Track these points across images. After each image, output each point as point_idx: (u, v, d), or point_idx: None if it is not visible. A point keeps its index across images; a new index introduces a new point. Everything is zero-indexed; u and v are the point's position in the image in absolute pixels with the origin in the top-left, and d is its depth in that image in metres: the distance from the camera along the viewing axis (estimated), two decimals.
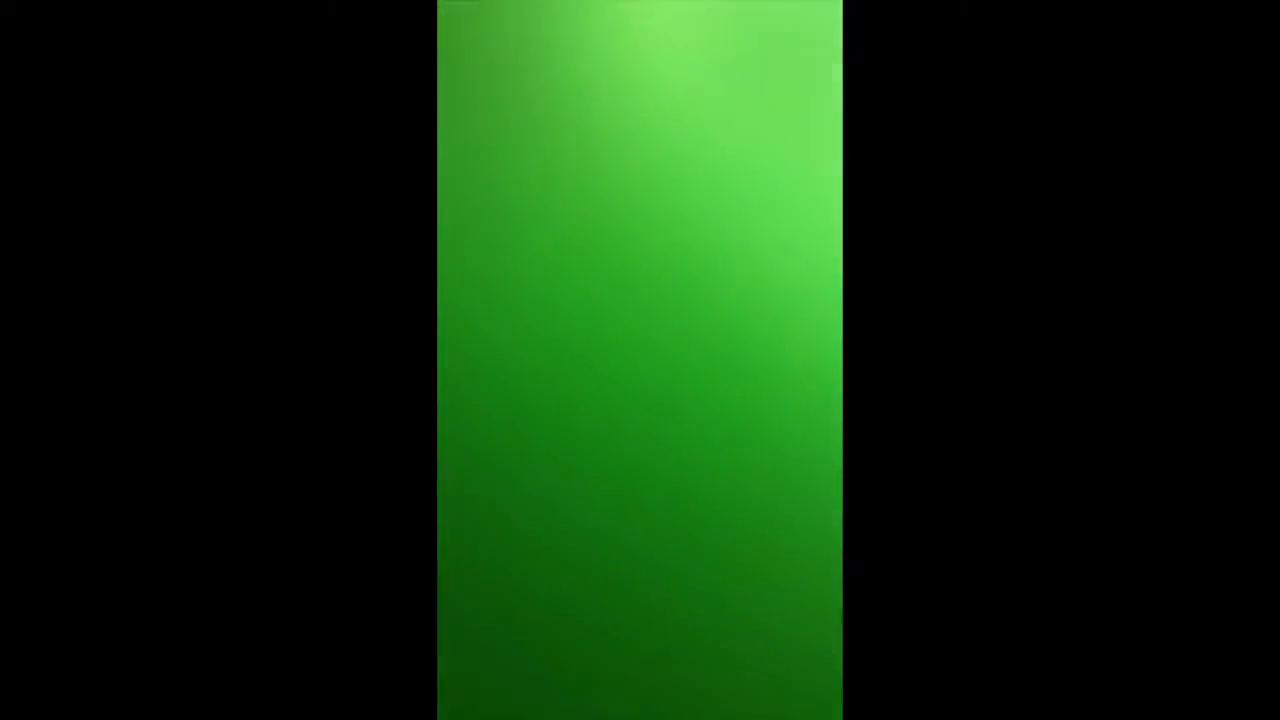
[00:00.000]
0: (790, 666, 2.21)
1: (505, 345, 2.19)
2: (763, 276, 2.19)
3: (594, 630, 2.12)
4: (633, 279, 2.20)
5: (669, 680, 2.14)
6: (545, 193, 2.19)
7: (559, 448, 2.19)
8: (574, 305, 2.16)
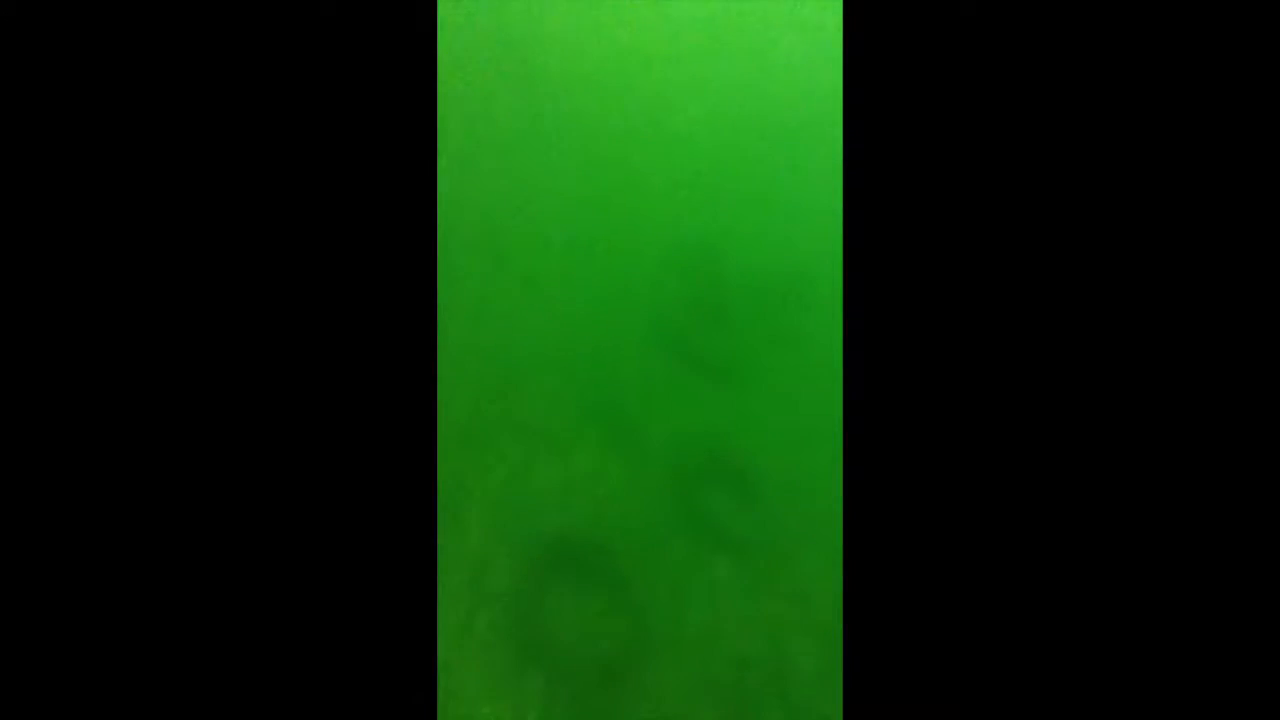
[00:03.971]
0: (793, 668, 2.18)
1: (504, 344, 2.14)
2: (764, 274, 2.13)
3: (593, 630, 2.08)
4: (633, 275, 2.14)
5: (668, 675, 2.12)
6: (544, 181, 2.12)
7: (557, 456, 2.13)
8: (574, 303, 2.11)
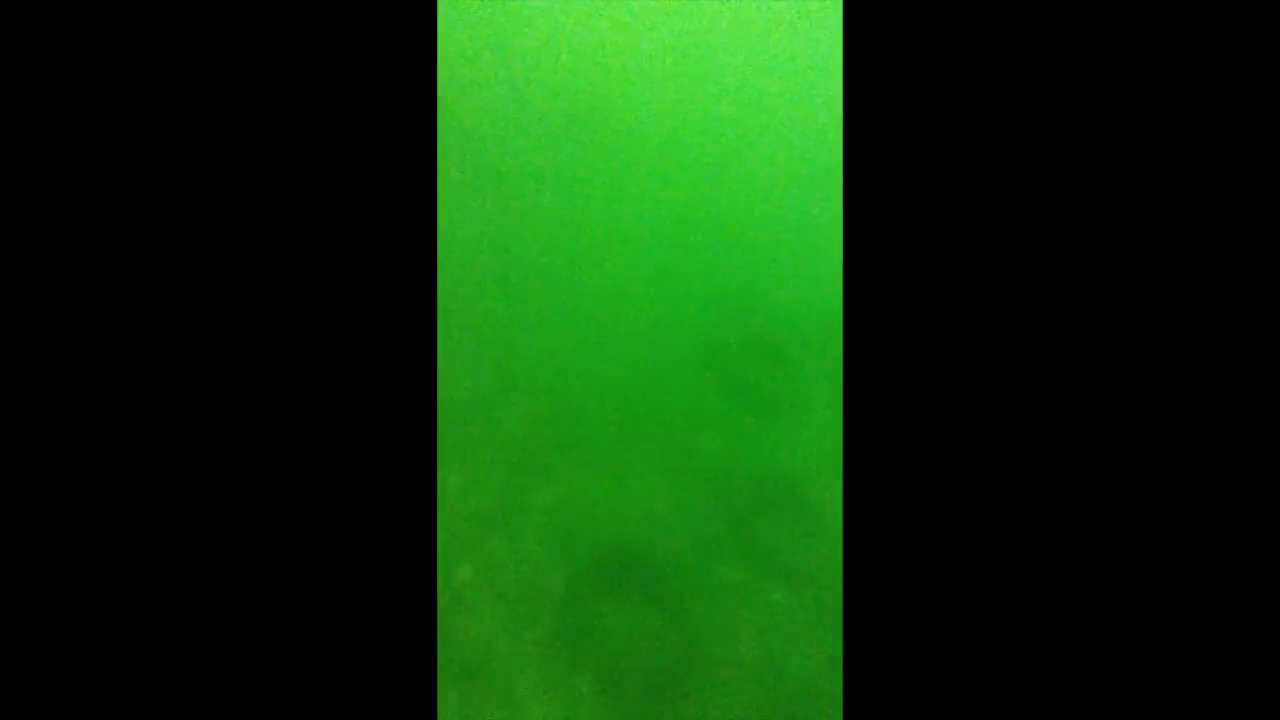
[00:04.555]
0: (791, 662, 2.17)
1: (504, 347, 2.23)
2: (765, 281, 2.17)
3: (593, 631, 2.12)
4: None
5: (669, 677, 2.13)
6: (545, 186, 2.23)
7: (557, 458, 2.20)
8: (574, 308, 2.19)
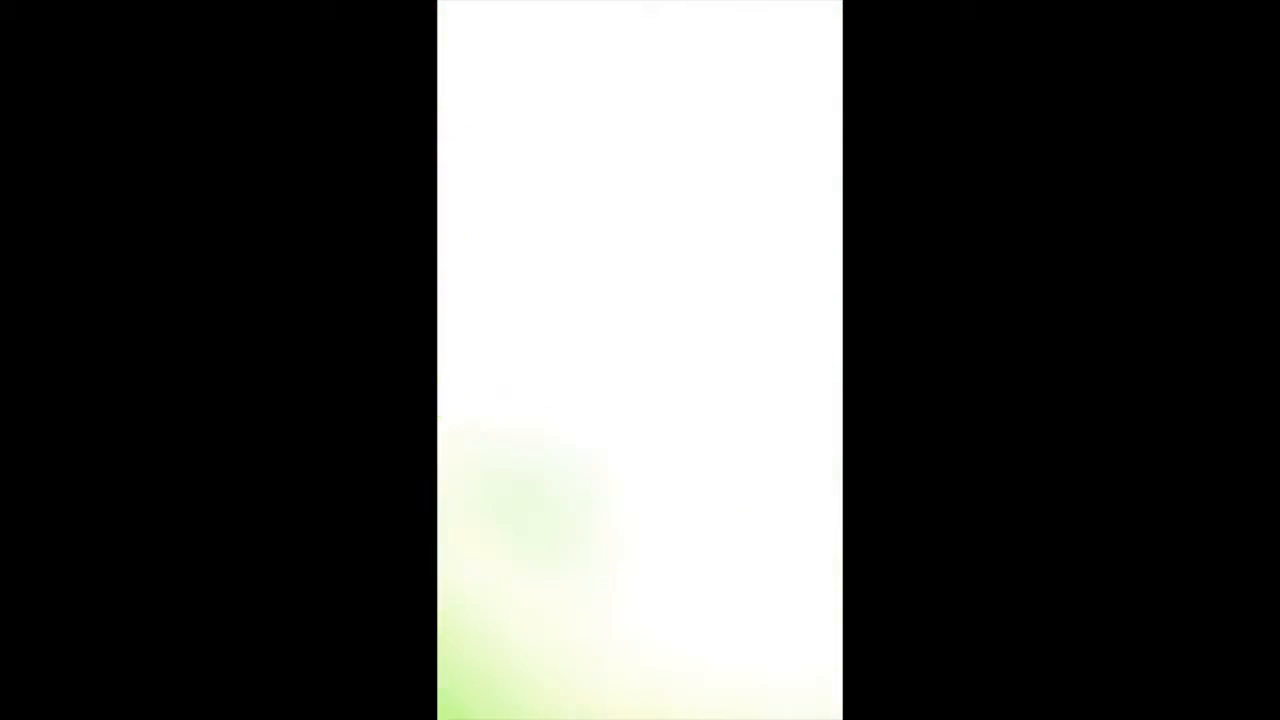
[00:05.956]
0: (789, 667, 2.22)
1: (505, 345, 2.19)
2: (761, 283, 2.18)
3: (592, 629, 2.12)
4: (632, 281, 2.19)
5: (668, 682, 2.14)
6: (548, 193, 2.19)
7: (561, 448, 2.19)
8: (573, 307, 2.16)
